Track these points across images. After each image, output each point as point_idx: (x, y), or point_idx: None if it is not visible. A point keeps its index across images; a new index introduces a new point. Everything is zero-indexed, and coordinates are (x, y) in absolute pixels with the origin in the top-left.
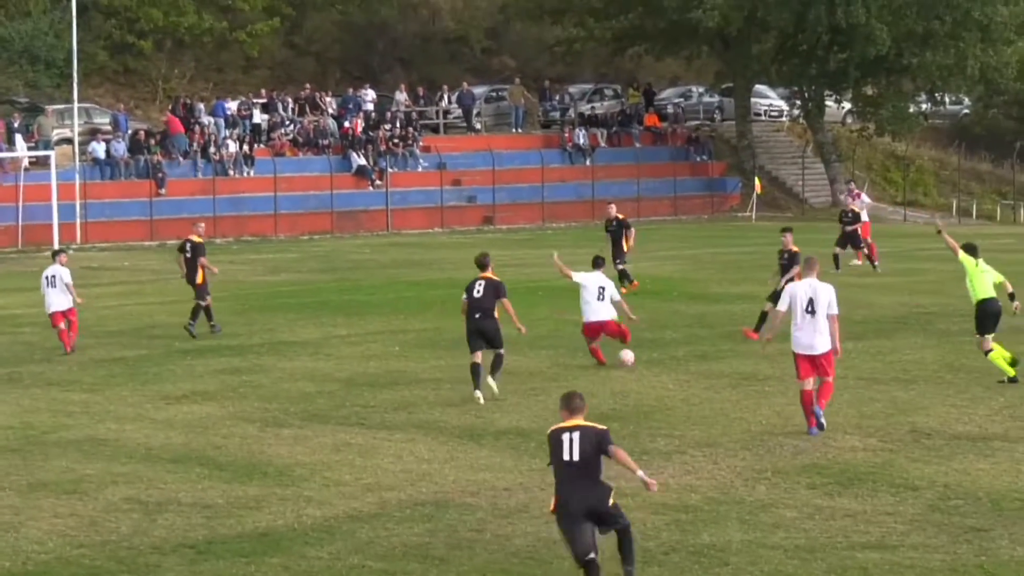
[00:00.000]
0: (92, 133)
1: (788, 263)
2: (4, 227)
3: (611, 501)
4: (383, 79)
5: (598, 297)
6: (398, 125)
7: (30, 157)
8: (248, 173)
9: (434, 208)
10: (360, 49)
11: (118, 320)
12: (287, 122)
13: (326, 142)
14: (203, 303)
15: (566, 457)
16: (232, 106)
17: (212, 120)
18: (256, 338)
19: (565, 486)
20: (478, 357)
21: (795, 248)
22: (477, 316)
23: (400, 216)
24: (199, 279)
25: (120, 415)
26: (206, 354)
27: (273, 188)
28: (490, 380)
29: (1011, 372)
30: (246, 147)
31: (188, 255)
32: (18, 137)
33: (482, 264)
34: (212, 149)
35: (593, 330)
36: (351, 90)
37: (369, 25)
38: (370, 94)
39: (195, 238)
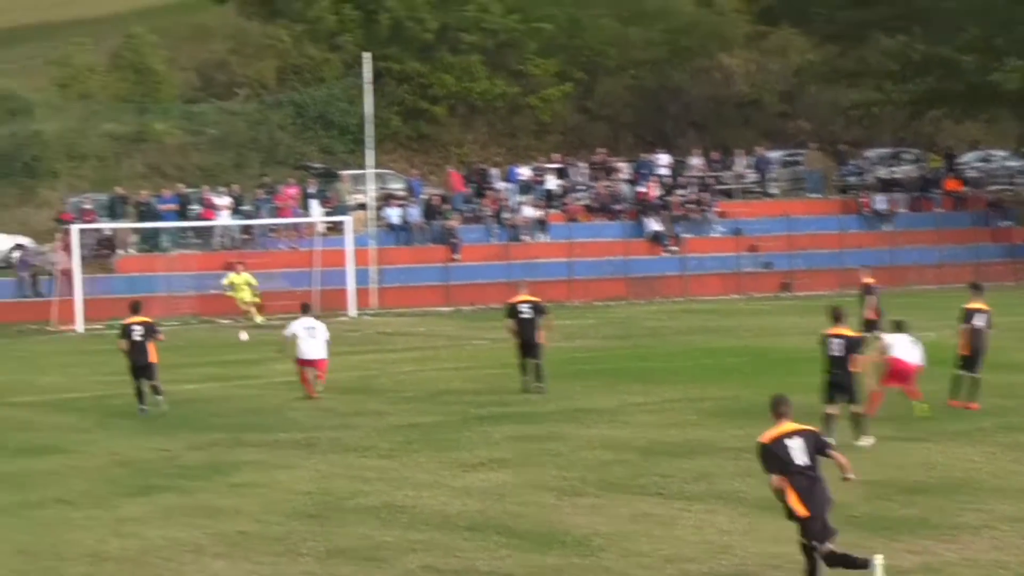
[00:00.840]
0: (386, 199)
1: None
2: (301, 292)
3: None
4: (676, 143)
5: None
6: (692, 190)
7: (326, 222)
8: (542, 238)
9: (730, 274)
10: (652, 113)
11: (414, 386)
12: (580, 187)
13: (620, 207)
14: None
15: (799, 462)
16: (525, 171)
17: (505, 185)
18: (552, 405)
19: (806, 492)
20: (834, 409)
21: None
22: (837, 372)
23: (696, 282)
24: None
25: (417, 482)
26: (502, 421)
27: (567, 253)
28: (862, 441)
29: None
30: (540, 212)
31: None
32: (313, 203)
33: (837, 316)
34: (506, 214)
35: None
36: (644, 154)
37: (661, 89)
38: (664, 158)
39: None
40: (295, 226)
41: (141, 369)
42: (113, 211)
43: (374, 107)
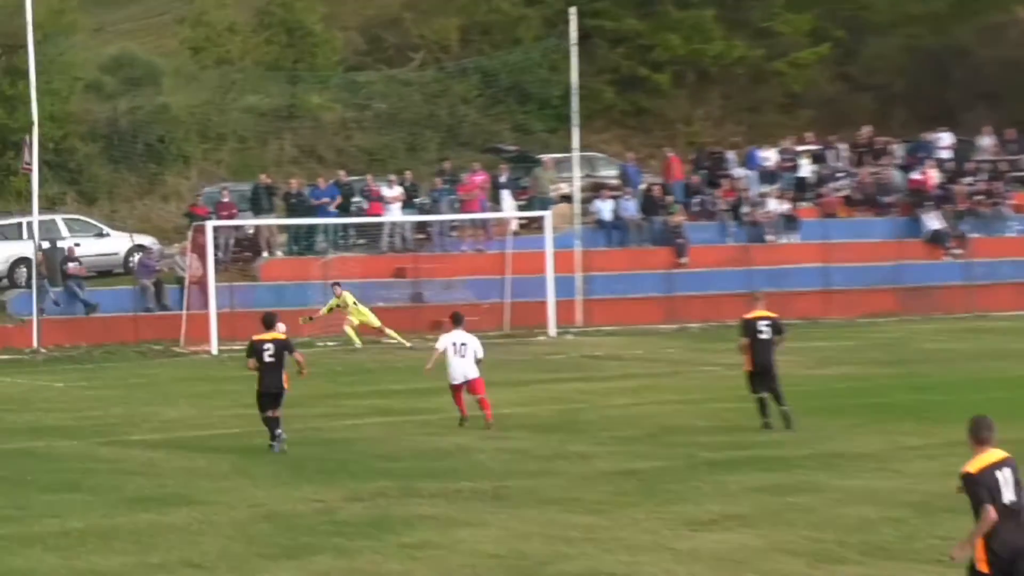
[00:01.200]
0: (596, 189)
1: None
2: (488, 305)
3: None
4: (962, 119)
5: None
6: (982, 178)
7: (520, 219)
8: (791, 239)
9: None
10: (932, 82)
11: (629, 423)
12: (840, 175)
13: (890, 200)
14: None
15: (1006, 499)
16: (770, 155)
17: (745, 172)
18: (803, 448)
19: (1009, 535)
20: None
21: None
22: None
23: (985, 294)
24: None
25: (632, 543)
26: (740, 467)
27: (823, 258)
28: None
29: None
30: (788, 206)
31: None
32: (505, 194)
33: None
34: (745, 209)
35: None
36: (921, 134)
37: (944, 51)
38: (946, 138)
39: None
40: (482, 223)
41: (272, 398)
42: (257, 204)
43: (582, 75)
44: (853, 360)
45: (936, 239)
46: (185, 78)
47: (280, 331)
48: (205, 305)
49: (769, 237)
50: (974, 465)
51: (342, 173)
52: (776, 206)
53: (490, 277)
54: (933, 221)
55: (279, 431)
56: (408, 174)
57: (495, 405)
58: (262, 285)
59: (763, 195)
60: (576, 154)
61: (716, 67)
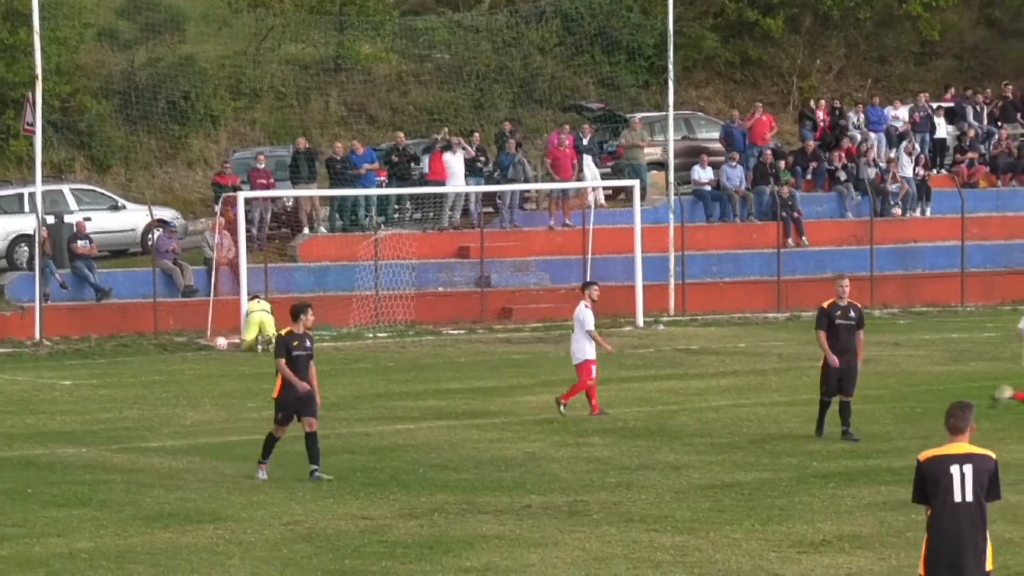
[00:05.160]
0: (695, 154)
1: None
2: (566, 291)
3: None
4: None
5: None
6: None
7: (606, 188)
8: (923, 212)
9: None
10: None
11: (728, 428)
12: (983, 136)
13: None
14: None
15: (956, 496)
16: (901, 113)
17: (871, 135)
18: None
19: (947, 535)
20: None
21: None
22: None
23: None
24: None
25: (732, 567)
26: (857, 480)
27: (960, 235)
28: None
29: None
30: (921, 173)
31: None
32: (587, 160)
33: None
34: (868, 176)
35: None
36: None
37: None
38: None
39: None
40: (561, 194)
41: (302, 403)
42: (296, 172)
43: (679, 20)
44: (993, 355)
45: None
46: (214, 24)
47: (307, 321)
48: (236, 290)
49: (896, 211)
50: (927, 454)
51: (401, 135)
52: (906, 174)
53: (568, 257)
54: None
55: (316, 468)
56: (476, 136)
57: (571, 407)
58: (302, 267)
59: (890, 161)
60: (672, 113)
61: (838, 10)
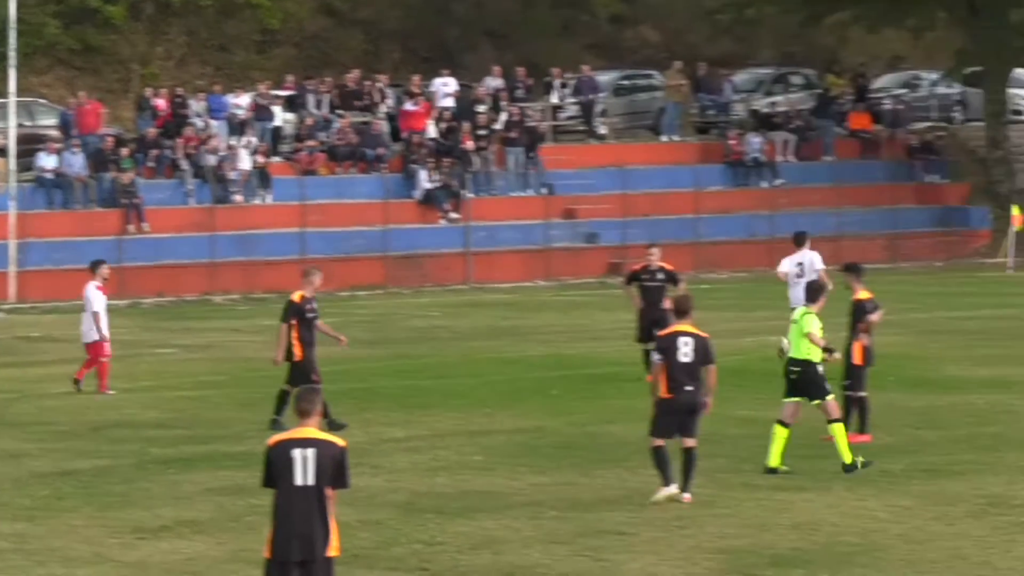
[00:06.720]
0: (36, 140)
1: None
2: None
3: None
4: (464, 62)
5: None
6: (486, 131)
7: None
8: (263, 199)
9: (535, 251)
10: (430, 18)
11: (69, 415)
12: (322, 124)
13: (379, 154)
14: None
15: (297, 480)
16: (241, 101)
17: (211, 122)
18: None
19: (288, 520)
20: (662, 442)
21: None
22: (688, 389)
23: (485, 263)
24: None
25: (71, 555)
26: (197, 465)
27: (300, 222)
28: (685, 496)
29: None
30: (260, 160)
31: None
32: None
33: (683, 310)
34: (209, 164)
35: None
36: (417, 77)
37: None
38: (446, 84)
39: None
40: None
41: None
42: None
43: (21, 7)
44: (330, 340)
45: (430, 200)
46: None
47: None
48: None
49: (237, 198)
50: (275, 438)
51: None
52: (246, 161)
53: None
54: (427, 180)
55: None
56: None
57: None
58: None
59: (231, 148)
60: (13, 100)
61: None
